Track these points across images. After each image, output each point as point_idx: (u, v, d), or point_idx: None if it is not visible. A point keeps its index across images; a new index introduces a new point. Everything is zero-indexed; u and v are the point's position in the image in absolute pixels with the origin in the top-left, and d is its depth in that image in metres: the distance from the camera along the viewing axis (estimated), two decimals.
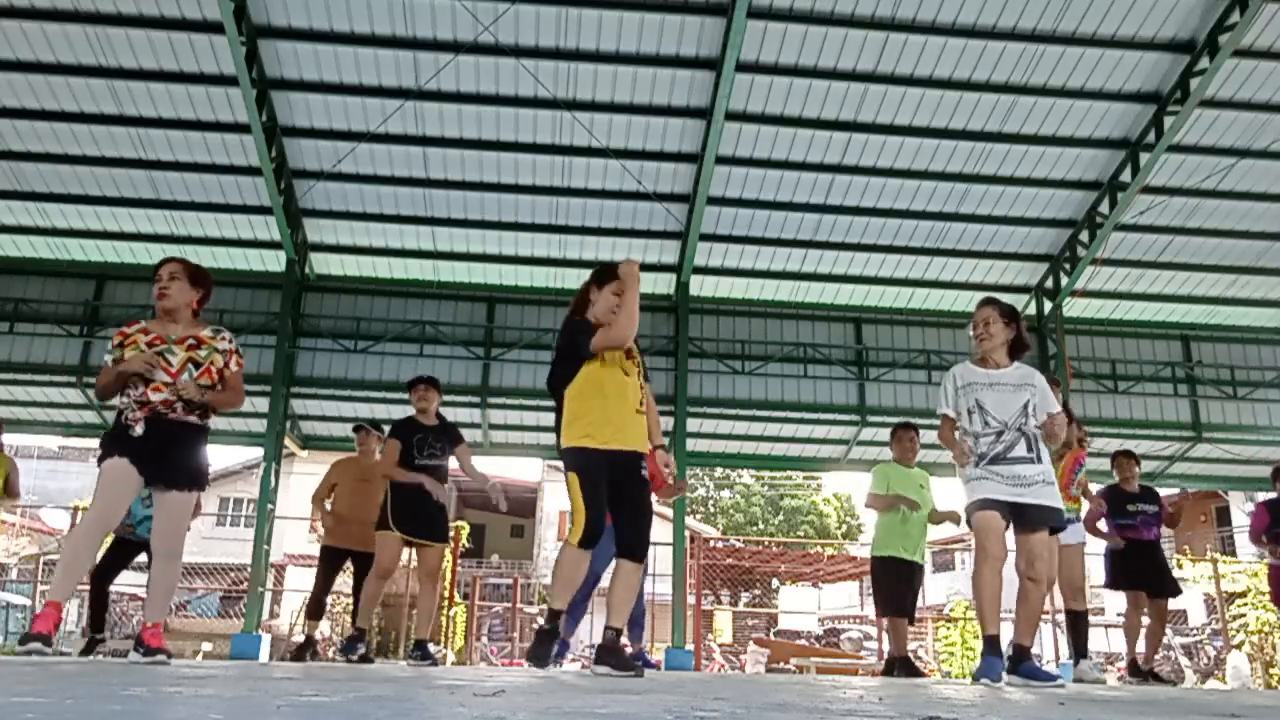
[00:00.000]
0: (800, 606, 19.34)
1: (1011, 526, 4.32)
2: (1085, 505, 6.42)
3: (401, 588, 11.38)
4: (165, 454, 4.02)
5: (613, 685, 2.94)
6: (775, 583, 20.58)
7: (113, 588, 7.17)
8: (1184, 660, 14.00)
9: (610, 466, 3.95)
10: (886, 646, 7.19)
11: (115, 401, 4.13)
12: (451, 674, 3.83)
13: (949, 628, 14.91)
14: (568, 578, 3.97)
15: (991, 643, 4.21)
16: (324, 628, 12.91)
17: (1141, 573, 6.72)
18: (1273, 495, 7.24)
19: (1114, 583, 6.90)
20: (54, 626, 3.87)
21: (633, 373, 4.22)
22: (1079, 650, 5.90)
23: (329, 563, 6.85)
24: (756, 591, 20.89)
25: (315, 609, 6.95)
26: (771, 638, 15.77)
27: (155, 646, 3.97)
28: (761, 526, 35.08)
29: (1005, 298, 13.73)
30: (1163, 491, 7.98)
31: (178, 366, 4.08)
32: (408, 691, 2.26)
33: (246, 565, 11.10)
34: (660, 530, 22.39)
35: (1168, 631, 14.90)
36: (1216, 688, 10.80)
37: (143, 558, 6.38)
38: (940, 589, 20.53)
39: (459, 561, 13.27)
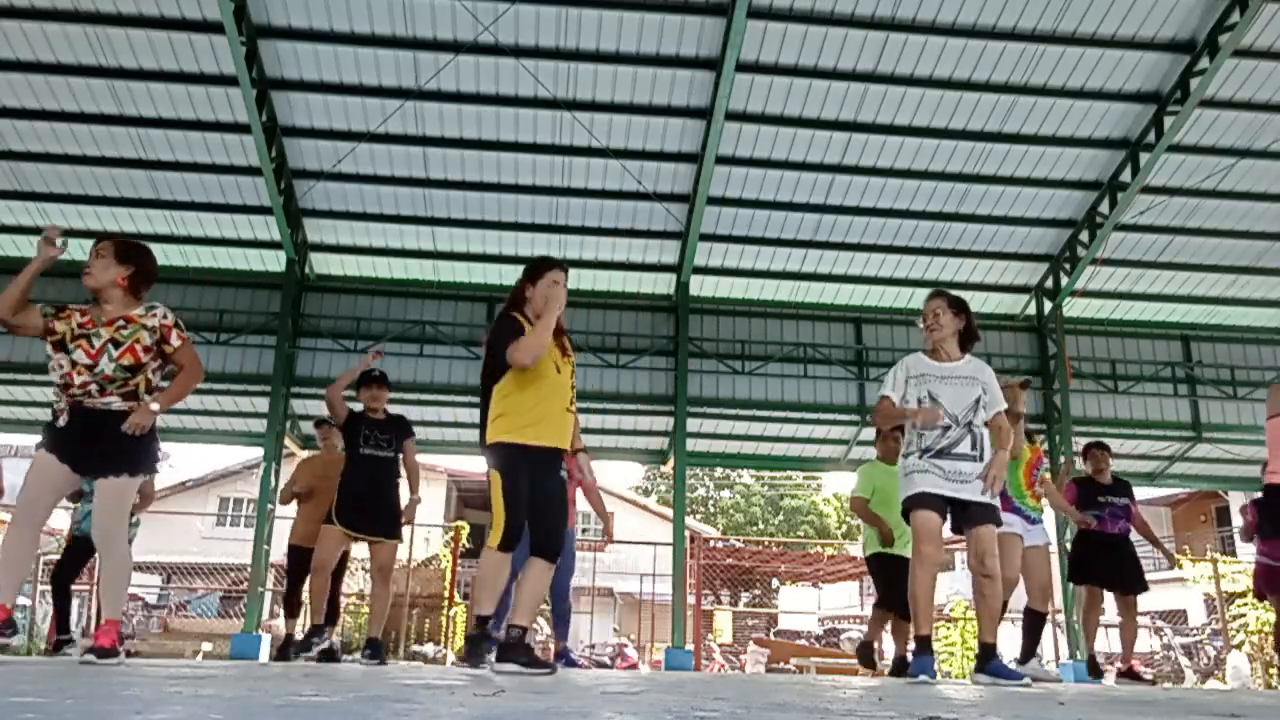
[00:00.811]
0: (800, 606, 19.35)
1: (954, 526, 4.32)
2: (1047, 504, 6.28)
3: (401, 588, 11.40)
4: (91, 442, 3.85)
5: (612, 686, 2.95)
6: (775, 583, 20.58)
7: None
8: (1184, 660, 14.00)
9: (531, 464, 3.93)
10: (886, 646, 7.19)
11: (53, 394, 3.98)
12: (451, 674, 3.83)
13: (949, 628, 14.91)
14: (488, 581, 3.91)
15: (923, 642, 4.25)
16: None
17: (1103, 567, 6.60)
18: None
19: (1073, 575, 6.81)
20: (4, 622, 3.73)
21: (565, 370, 4.14)
22: (1028, 649, 5.86)
23: (296, 561, 6.81)
24: (756, 591, 20.90)
25: (291, 607, 6.93)
26: (771, 638, 15.78)
27: (106, 646, 3.79)
28: (761, 526, 35.07)
29: (1005, 298, 13.75)
30: (1163, 491, 7.91)
31: (97, 349, 3.89)
32: (407, 691, 2.26)
33: (246, 565, 11.11)
34: (660, 530, 22.44)
35: (1167, 631, 14.94)
36: (1216, 688, 10.80)
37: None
38: (940, 589, 20.54)
39: (459, 561, 13.28)
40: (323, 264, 12.56)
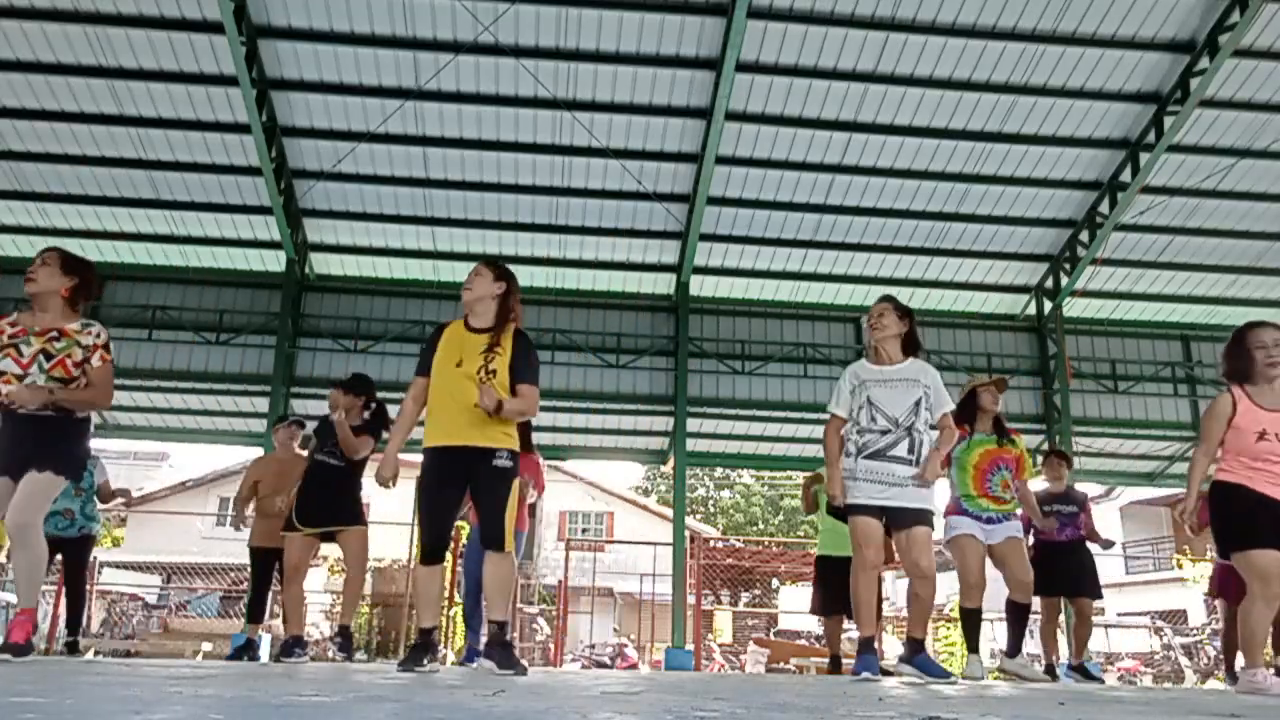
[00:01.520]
0: (800, 606, 19.28)
1: (888, 529, 4.36)
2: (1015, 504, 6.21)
3: (401, 587, 11.39)
4: (20, 445, 3.85)
5: (612, 686, 2.94)
6: (775, 583, 20.57)
7: (113, 587, 7.18)
8: (1184, 660, 14.00)
9: (449, 465, 3.86)
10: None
11: None
12: (451, 674, 3.83)
13: (949, 628, 14.90)
14: (419, 595, 4.05)
15: (866, 643, 4.30)
16: (325, 627, 12.92)
17: (1053, 575, 6.64)
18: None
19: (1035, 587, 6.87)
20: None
21: (470, 363, 3.93)
22: (1014, 643, 5.88)
23: (258, 563, 6.73)
24: (756, 591, 20.88)
25: (256, 611, 6.84)
26: (771, 638, 15.77)
27: (20, 643, 3.75)
28: (761, 526, 35.07)
29: (1005, 298, 13.73)
30: (1163, 491, 7.91)
31: (28, 358, 3.87)
32: (407, 691, 2.26)
33: (246, 565, 11.06)
34: (660, 530, 22.36)
35: (1167, 631, 14.94)
36: (1216, 688, 10.80)
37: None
38: (940, 590, 20.51)
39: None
40: (323, 264, 12.56)
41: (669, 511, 19.37)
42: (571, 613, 16.52)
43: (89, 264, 4.16)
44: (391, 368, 12.25)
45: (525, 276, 12.64)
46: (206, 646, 12.86)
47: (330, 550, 7.78)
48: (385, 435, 5.90)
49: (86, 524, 6.84)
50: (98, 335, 4.03)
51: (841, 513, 4.43)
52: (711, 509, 37.60)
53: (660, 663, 11.35)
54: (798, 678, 7.39)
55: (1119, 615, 17.91)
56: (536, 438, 14.50)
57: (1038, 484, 6.91)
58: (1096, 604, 6.96)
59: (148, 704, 1.71)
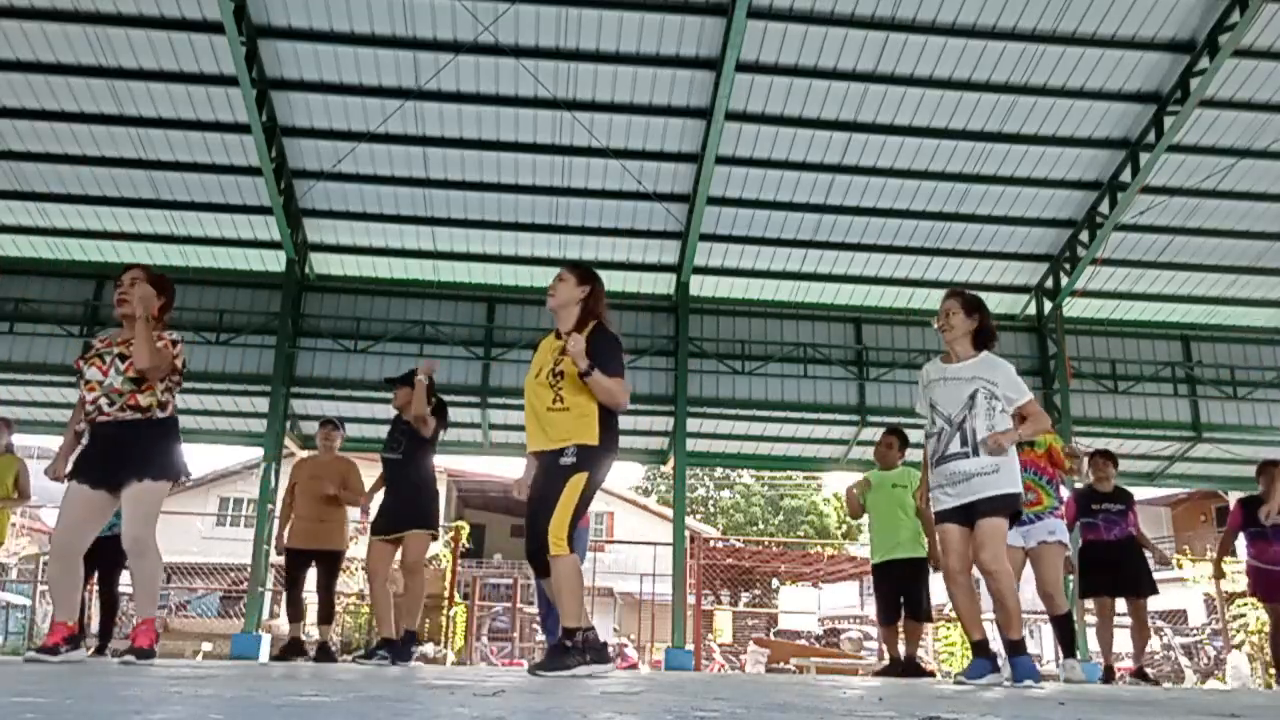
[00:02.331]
0: (800, 606, 19.32)
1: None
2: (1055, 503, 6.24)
3: (401, 588, 11.39)
4: (110, 455, 4.01)
5: (612, 686, 2.94)
6: (775, 583, 20.57)
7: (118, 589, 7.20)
8: (1184, 660, 14.01)
9: (540, 468, 3.93)
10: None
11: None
12: (451, 674, 3.83)
13: (949, 628, 14.91)
14: (564, 590, 3.77)
15: (976, 647, 4.23)
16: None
17: (1105, 575, 6.64)
18: (1253, 494, 7.21)
19: (1081, 589, 6.86)
20: (63, 640, 3.92)
21: (543, 371, 3.94)
22: (1065, 649, 5.89)
23: (292, 564, 6.82)
24: (756, 591, 20.88)
25: (293, 610, 6.91)
26: (771, 638, 15.78)
27: (145, 647, 3.93)
28: (761, 526, 35.06)
29: (1005, 298, 13.74)
30: (1163, 491, 7.91)
31: (108, 364, 4.10)
32: (408, 691, 2.26)
33: (246, 565, 11.12)
34: (660, 530, 22.38)
35: (1167, 631, 14.94)
36: (1216, 688, 10.80)
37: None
38: (940, 589, 20.47)
39: (459, 561, 13.28)
40: (323, 264, 12.56)
41: (669, 511, 19.36)
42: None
43: (171, 283, 4.43)
44: (391, 368, 12.22)
45: (525, 276, 12.70)
46: (206, 646, 12.88)
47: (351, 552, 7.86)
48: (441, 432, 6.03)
49: (119, 524, 6.81)
50: (173, 339, 4.24)
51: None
52: (711, 509, 37.59)
53: (660, 663, 11.35)
54: (798, 678, 7.39)
55: (1119, 615, 17.88)
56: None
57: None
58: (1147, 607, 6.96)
59: (148, 704, 1.71)
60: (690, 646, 11.67)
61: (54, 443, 25.19)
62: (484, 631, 16.59)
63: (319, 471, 6.80)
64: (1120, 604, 7.09)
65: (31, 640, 13.35)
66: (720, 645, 16.68)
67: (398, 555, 6.21)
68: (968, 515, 4.22)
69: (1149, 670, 6.82)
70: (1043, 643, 15.21)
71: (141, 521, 3.99)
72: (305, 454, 7.27)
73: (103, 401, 4.03)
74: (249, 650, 10.36)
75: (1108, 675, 6.95)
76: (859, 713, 1.86)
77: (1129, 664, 14.75)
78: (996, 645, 4.39)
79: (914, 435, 6.78)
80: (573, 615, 3.71)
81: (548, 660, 3.68)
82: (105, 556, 6.65)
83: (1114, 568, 6.61)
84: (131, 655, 3.91)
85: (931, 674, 6.95)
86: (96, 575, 6.74)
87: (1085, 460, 7.04)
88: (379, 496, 6.38)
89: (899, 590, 6.45)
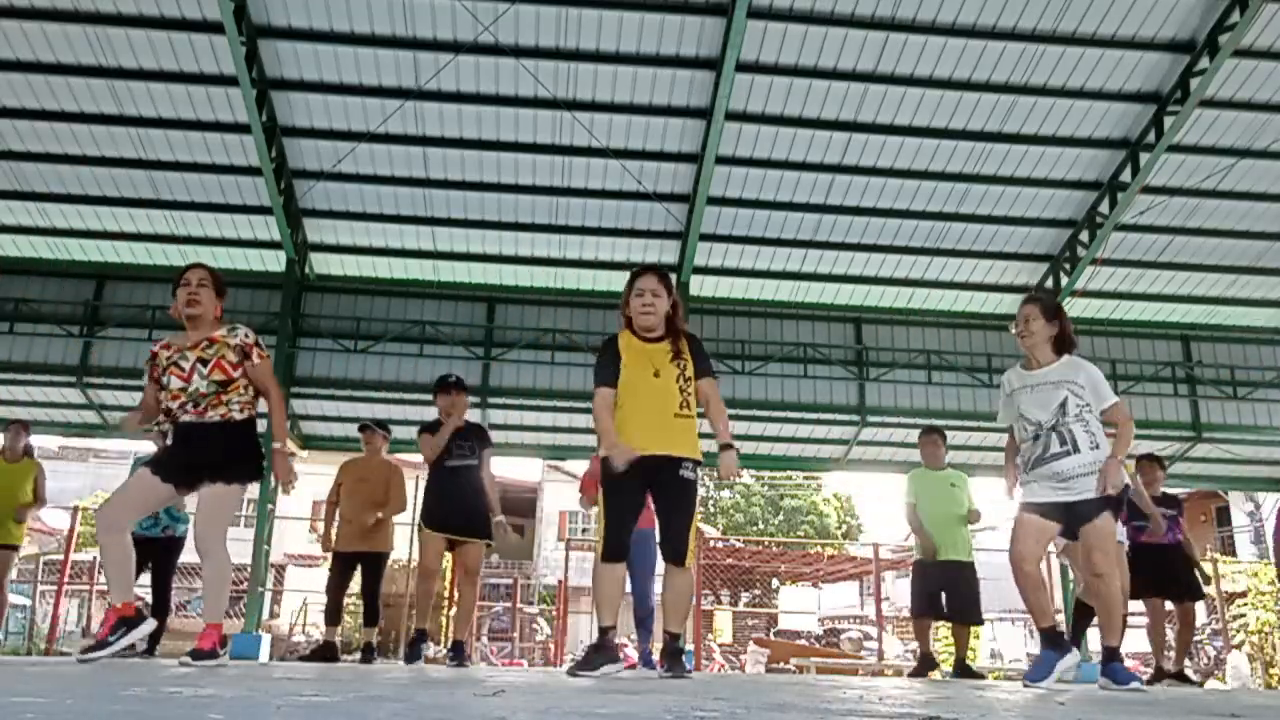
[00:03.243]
0: (800, 606, 19.34)
1: (1068, 532, 4.29)
2: None
3: (402, 587, 11.39)
4: (193, 455, 4.06)
5: (612, 685, 2.95)
6: (775, 583, 20.58)
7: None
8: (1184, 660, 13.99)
9: (640, 471, 3.88)
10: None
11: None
12: (452, 674, 3.83)
13: (949, 627, 14.91)
14: (599, 593, 3.95)
15: (1047, 634, 4.20)
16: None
17: (1158, 578, 6.69)
18: None
19: (1131, 591, 6.88)
20: (111, 629, 3.92)
21: (668, 374, 4.01)
22: (1074, 638, 5.91)
23: (340, 567, 6.82)
24: (756, 591, 20.89)
25: (333, 614, 6.91)
26: (771, 638, 15.78)
27: (206, 649, 3.97)
28: (761, 526, 35.06)
29: (1005, 298, 13.69)
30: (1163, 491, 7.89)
31: (189, 369, 4.11)
32: (408, 691, 2.26)
33: (246, 565, 11.11)
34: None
35: (1167, 632, 14.92)
36: (1216, 688, 10.80)
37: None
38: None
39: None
40: (323, 264, 12.56)
41: None
42: (571, 613, 16.51)
43: (223, 281, 4.42)
44: (391, 368, 12.27)
45: (525, 276, 12.71)
46: None
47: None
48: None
49: (171, 524, 6.68)
50: (246, 334, 4.24)
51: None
52: (711, 509, 37.60)
53: (661, 663, 11.33)
54: (798, 678, 7.39)
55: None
56: (536, 438, 14.55)
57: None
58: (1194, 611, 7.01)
59: (148, 704, 1.71)
60: (690, 646, 11.66)
61: (54, 442, 25.24)
62: (484, 631, 16.59)
63: (365, 474, 6.84)
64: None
65: (32, 640, 13.35)
66: (720, 645, 16.68)
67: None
68: (1067, 514, 4.21)
69: (1192, 674, 6.87)
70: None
71: (211, 522, 4.03)
72: (351, 457, 7.26)
73: (189, 406, 4.08)
74: (249, 650, 10.36)
75: (1158, 675, 6.97)
76: (859, 713, 1.86)
77: (1129, 663, 14.77)
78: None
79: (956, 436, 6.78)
80: (683, 623, 4.06)
81: (681, 668, 3.84)
82: (158, 557, 6.64)
83: (1165, 571, 6.67)
84: (189, 657, 3.93)
85: (982, 676, 6.99)
86: (150, 577, 6.65)
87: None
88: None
89: (944, 589, 6.47)
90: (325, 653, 6.75)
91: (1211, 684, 12.53)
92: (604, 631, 3.87)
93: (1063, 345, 4.41)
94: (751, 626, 18.86)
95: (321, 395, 12.63)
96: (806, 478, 36.52)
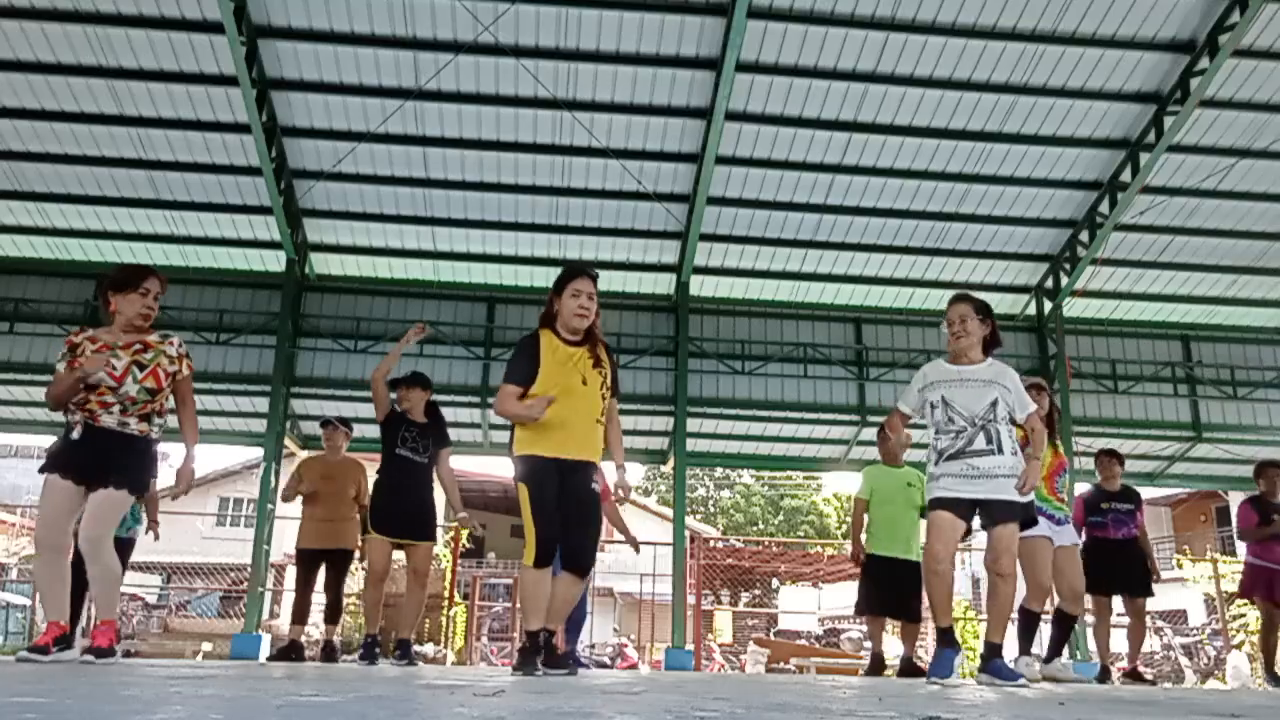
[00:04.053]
0: (800, 606, 19.32)
1: (983, 525, 4.32)
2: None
3: (402, 587, 11.39)
4: (102, 458, 4.04)
5: (612, 686, 2.95)
6: (775, 583, 20.57)
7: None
8: (1184, 660, 14.00)
9: (557, 474, 3.90)
10: (885, 648, 7.20)
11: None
12: (451, 674, 3.83)
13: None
14: (528, 598, 3.95)
15: (943, 635, 4.26)
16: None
17: (1110, 573, 6.64)
18: (1256, 493, 7.22)
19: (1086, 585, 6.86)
20: (53, 640, 3.95)
21: (594, 382, 4.00)
22: (1055, 648, 5.88)
23: (305, 565, 6.82)
24: (756, 591, 20.88)
25: (299, 613, 6.92)
26: (771, 638, 15.77)
27: (104, 646, 3.98)
28: (761, 526, 35.08)
29: (1005, 298, 13.71)
30: (1163, 491, 7.90)
31: (122, 370, 4.08)
32: (408, 691, 2.26)
33: (246, 565, 11.12)
34: (660, 530, 22.29)
35: (1167, 631, 14.93)
36: (1216, 688, 10.80)
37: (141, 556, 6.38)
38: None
39: (459, 561, 13.28)
40: (323, 264, 12.56)
41: (669, 511, 19.36)
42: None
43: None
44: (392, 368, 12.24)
45: (525, 276, 12.70)
46: (206, 646, 12.88)
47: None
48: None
49: (133, 525, 6.91)
50: (180, 346, 4.29)
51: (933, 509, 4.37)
52: (711, 509, 37.62)
53: (660, 663, 11.35)
54: (798, 678, 7.39)
55: (1119, 615, 17.87)
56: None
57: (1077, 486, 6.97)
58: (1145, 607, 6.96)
59: (148, 704, 1.71)
60: (690, 646, 11.67)
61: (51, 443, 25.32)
62: (484, 631, 16.59)
63: (330, 472, 6.82)
64: (1117, 603, 7.09)
65: (32, 640, 13.36)
66: (720, 645, 16.67)
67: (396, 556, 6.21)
68: (981, 512, 4.24)
69: (1146, 671, 6.80)
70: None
71: (103, 524, 4.04)
72: (310, 454, 7.25)
73: (115, 408, 4.05)
74: (249, 650, 10.36)
75: (1104, 675, 6.96)
76: (859, 712, 1.86)
77: (1124, 664, 14.77)
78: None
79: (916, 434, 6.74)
80: (560, 622, 4.04)
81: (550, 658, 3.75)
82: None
83: (1115, 566, 6.61)
84: (91, 655, 3.96)
85: (924, 673, 6.94)
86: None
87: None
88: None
89: (894, 588, 6.43)
90: (291, 652, 6.75)
91: (1212, 684, 12.53)
92: (532, 635, 3.89)
93: (990, 345, 4.50)
94: (751, 626, 18.86)
95: (322, 395, 12.63)
96: (806, 478, 36.55)
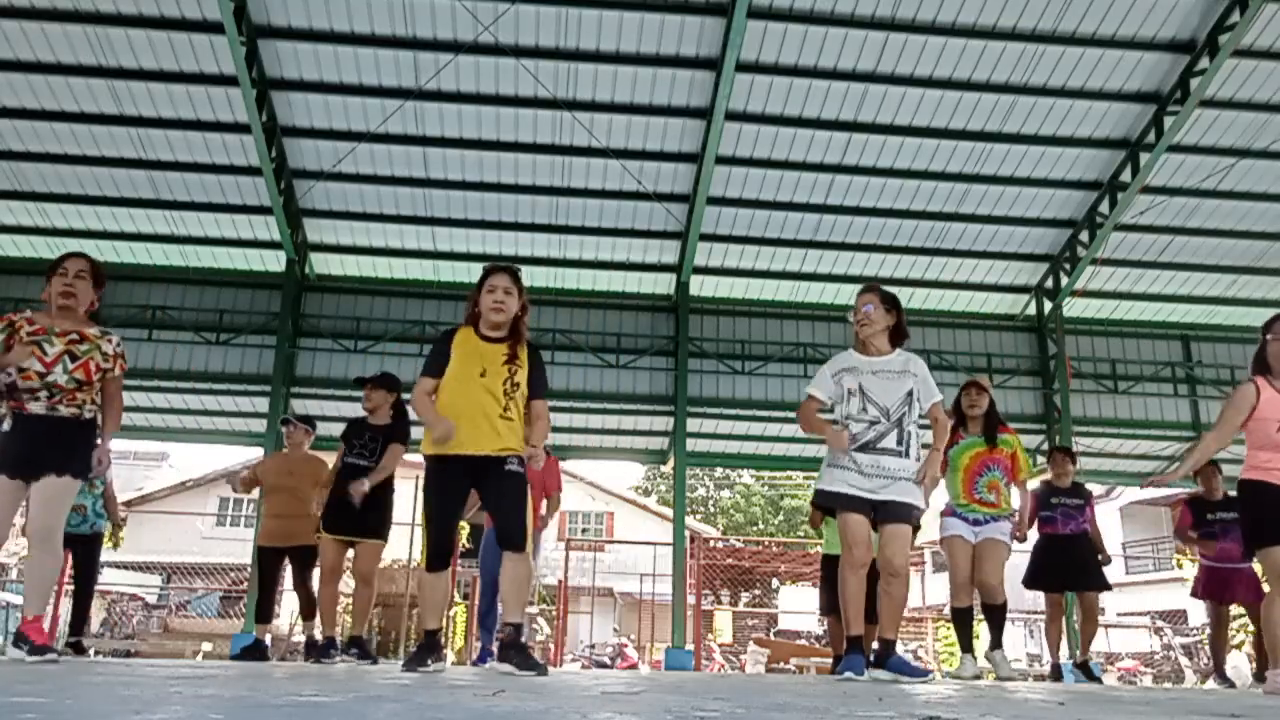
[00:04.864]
0: (800, 606, 19.32)
1: (874, 523, 4.35)
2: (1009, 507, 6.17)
3: (401, 587, 11.39)
4: (37, 448, 3.97)
5: (612, 686, 2.95)
6: (775, 583, 20.57)
7: (113, 587, 7.26)
8: (1184, 660, 14.00)
9: (458, 472, 3.93)
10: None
11: None
12: (451, 674, 3.83)
13: (949, 628, 14.92)
14: (425, 599, 4.10)
15: (854, 642, 4.27)
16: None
17: (1061, 570, 6.63)
18: (1196, 491, 7.23)
19: (1030, 581, 6.85)
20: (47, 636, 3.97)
21: (496, 375, 3.96)
22: (994, 641, 5.87)
23: (266, 563, 6.81)
24: (756, 591, 20.89)
25: (263, 612, 6.91)
26: (771, 638, 15.77)
27: (40, 644, 3.85)
28: (761, 526, 35.08)
29: (1005, 298, 13.70)
30: (1163, 492, 7.89)
31: (53, 357, 4.00)
32: (408, 691, 2.26)
33: (246, 565, 11.12)
34: (660, 530, 22.28)
35: (1167, 631, 14.94)
36: (1216, 688, 10.78)
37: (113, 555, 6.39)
38: (941, 589, 20.45)
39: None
40: (323, 264, 12.56)
41: (669, 511, 19.35)
42: (571, 613, 16.52)
43: (104, 274, 4.32)
44: (391, 368, 12.20)
45: (526, 277, 12.64)
46: (206, 646, 12.86)
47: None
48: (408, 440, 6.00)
49: (97, 520, 6.95)
50: (118, 345, 4.21)
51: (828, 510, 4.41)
52: (711, 509, 37.60)
53: (660, 663, 11.35)
54: (798, 678, 7.39)
55: (1119, 615, 17.91)
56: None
57: (1036, 481, 6.93)
58: (1098, 601, 6.97)
59: (148, 704, 1.71)
60: (690, 646, 11.67)
61: None
62: None
63: (290, 468, 6.80)
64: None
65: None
66: (720, 645, 16.68)
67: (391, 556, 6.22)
68: (877, 511, 4.28)
69: (1094, 668, 6.81)
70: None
71: (55, 514, 3.99)
72: (267, 453, 7.23)
73: (42, 394, 3.97)
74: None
75: (1055, 673, 6.99)
76: (859, 713, 1.86)
77: (1129, 664, 14.74)
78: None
79: None
80: (523, 612, 4.00)
81: (530, 660, 3.77)
82: (80, 554, 6.84)
83: (1065, 564, 6.61)
84: (25, 651, 3.83)
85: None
86: (74, 572, 6.91)
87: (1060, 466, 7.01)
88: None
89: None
90: (255, 652, 6.75)
91: (1211, 684, 12.52)
92: (430, 634, 4.06)
93: (898, 336, 4.49)
94: (751, 626, 18.87)
95: (321, 395, 12.62)
96: (806, 478, 36.48)
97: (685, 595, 11.85)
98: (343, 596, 7.25)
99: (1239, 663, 11.97)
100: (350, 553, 6.05)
